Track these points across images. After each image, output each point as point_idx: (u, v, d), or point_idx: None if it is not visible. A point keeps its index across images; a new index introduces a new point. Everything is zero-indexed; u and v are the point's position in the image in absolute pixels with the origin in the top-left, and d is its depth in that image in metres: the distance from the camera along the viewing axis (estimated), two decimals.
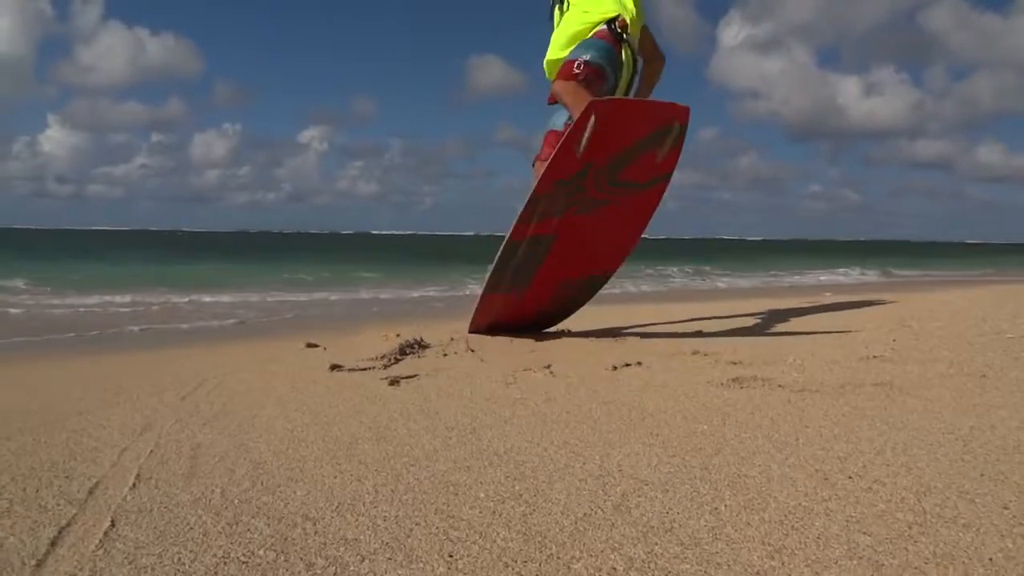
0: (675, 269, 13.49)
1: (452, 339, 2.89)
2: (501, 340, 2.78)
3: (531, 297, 2.81)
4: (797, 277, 12.62)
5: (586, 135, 2.28)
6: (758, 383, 1.60)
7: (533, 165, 2.83)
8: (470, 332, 2.87)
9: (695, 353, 2.18)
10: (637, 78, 2.96)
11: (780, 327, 3.11)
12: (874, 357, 1.94)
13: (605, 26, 2.91)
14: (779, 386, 1.55)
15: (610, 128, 2.33)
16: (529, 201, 2.46)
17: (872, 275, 13.38)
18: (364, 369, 2.06)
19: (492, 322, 2.89)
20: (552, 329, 3.05)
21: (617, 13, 2.90)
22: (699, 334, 2.82)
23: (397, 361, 2.26)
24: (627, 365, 1.95)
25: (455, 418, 1.36)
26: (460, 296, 7.49)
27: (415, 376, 1.88)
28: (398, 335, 2.98)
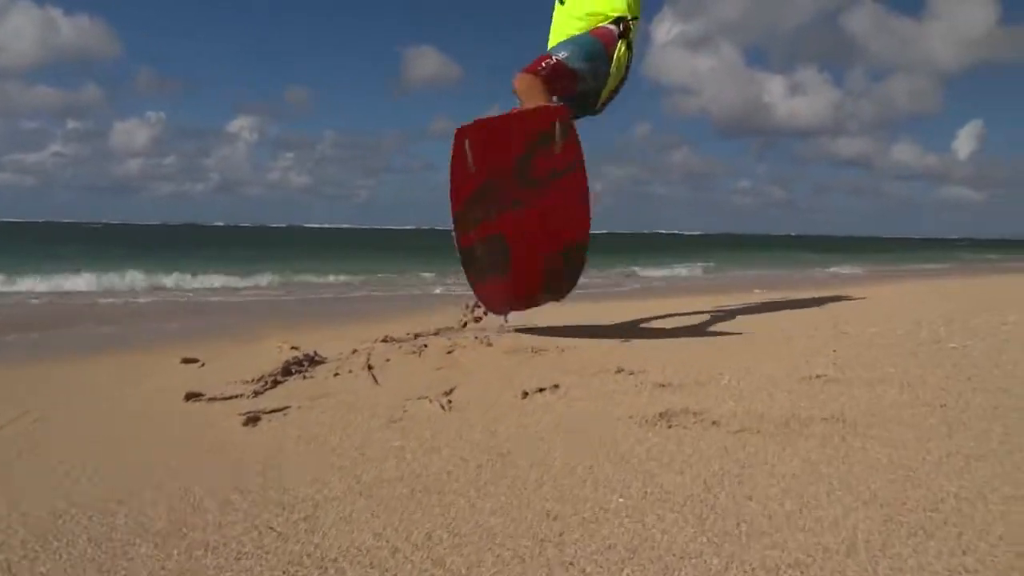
0: (618, 269, 13.40)
1: (354, 351, 2.56)
2: (408, 355, 2.47)
3: (522, 274, 2.76)
4: (729, 273, 12.73)
5: (469, 159, 2.32)
6: (689, 418, 1.34)
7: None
8: (494, 313, 2.96)
9: (619, 371, 1.91)
10: (620, 86, 2.88)
11: (712, 332, 2.90)
12: (816, 376, 1.71)
13: (612, 25, 2.81)
14: (713, 423, 1.29)
15: (489, 147, 2.36)
16: (454, 219, 2.49)
17: (798, 270, 13.63)
18: (229, 398, 1.71)
19: (507, 303, 2.92)
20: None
21: (625, 12, 2.82)
22: (628, 340, 2.57)
23: (275, 384, 1.92)
24: (540, 390, 1.66)
25: (297, 489, 1.03)
26: (399, 296, 7.11)
27: (285, 409, 1.55)
28: (293, 347, 2.63)
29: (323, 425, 1.37)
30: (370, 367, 2.21)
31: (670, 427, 1.27)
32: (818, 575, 0.71)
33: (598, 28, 2.84)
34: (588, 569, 0.75)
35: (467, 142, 2.35)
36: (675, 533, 0.83)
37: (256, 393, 1.75)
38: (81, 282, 7.56)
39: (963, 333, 2.51)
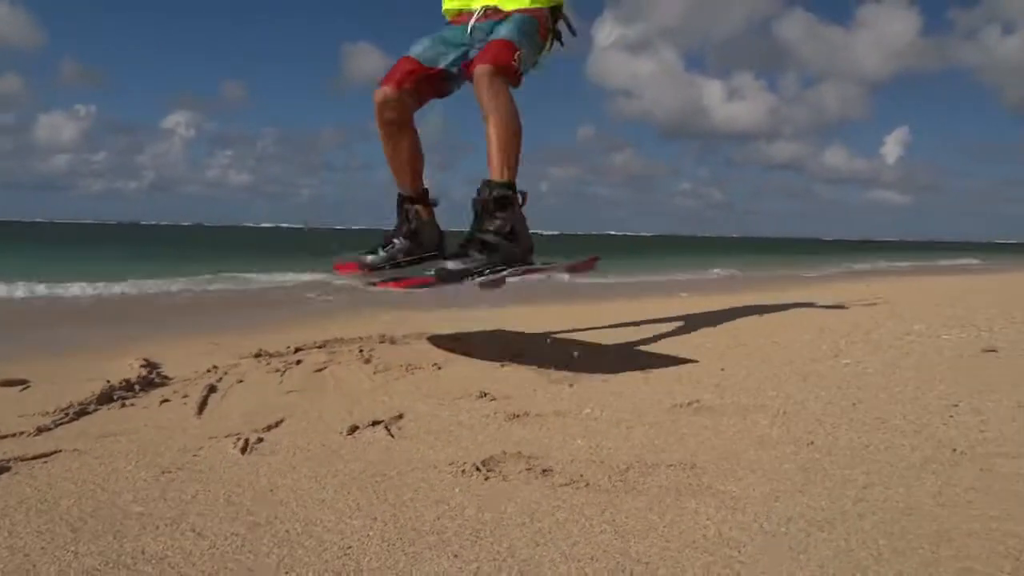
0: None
1: (210, 369, 2.28)
2: (270, 373, 2.20)
3: None
4: (658, 276, 12.75)
5: None
6: (521, 463, 1.13)
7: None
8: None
9: (482, 396, 1.70)
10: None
11: (607, 343, 2.71)
12: (689, 404, 1.53)
13: (548, 10, 2.48)
14: (543, 472, 1.09)
15: None
16: None
17: (729, 272, 13.77)
18: (6, 436, 1.43)
19: None
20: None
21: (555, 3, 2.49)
22: (511, 360, 2.35)
23: (79, 415, 1.64)
24: (375, 423, 1.44)
25: None
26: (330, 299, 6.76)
27: (54, 454, 1.28)
28: (144, 364, 2.34)
29: (62, 491, 1.10)
30: (211, 390, 1.95)
31: (486, 479, 1.05)
32: None
33: (534, 10, 2.48)
34: None
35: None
36: None
37: (40, 430, 1.47)
38: None
39: (864, 345, 2.40)
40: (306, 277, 9.01)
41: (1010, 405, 1.41)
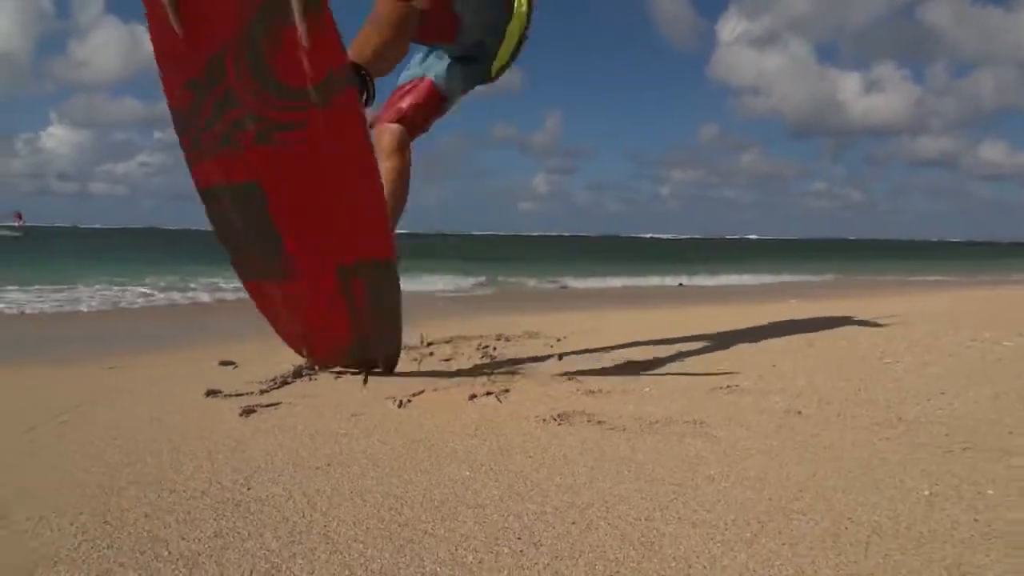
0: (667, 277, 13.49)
1: None
2: (403, 360, 2.83)
3: (314, 292, 2.05)
4: (784, 277, 12.65)
5: (167, 4, 1.55)
6: (584, 418, 1.65)
7: (371, 127, 2.19)
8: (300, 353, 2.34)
9: (570, 379, 2.22)
10: (518, 52, 2.29)
11: (697, 344, 3.14)
12: (727, 387, 1.98)
13: None
14: (598, 422, 1.60)
15: None
16: (176, 121, 1.77)
17: (848, 278, 13.39)
18: (241, 395, 2.12)
19: (307, 341, 2.26)
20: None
21: None
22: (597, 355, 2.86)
23: (283, 384, 2.32)
24: (488, 394, 1.99)
25: (255, 459, 1.41)
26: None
27: (276, 404, 1.93)
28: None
29: (295, 418, 1.75)
30: (370, 370, 2.59)
31: (559, 425, 1.58)
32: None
33: None
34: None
35: None
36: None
37: (262, 392, 2.15)
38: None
39: (919, 348, 2.70)
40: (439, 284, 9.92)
41: (989, 395, 1.76)
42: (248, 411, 1.83)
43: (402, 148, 2.21)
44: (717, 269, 15.32)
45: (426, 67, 2.32)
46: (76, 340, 4.38)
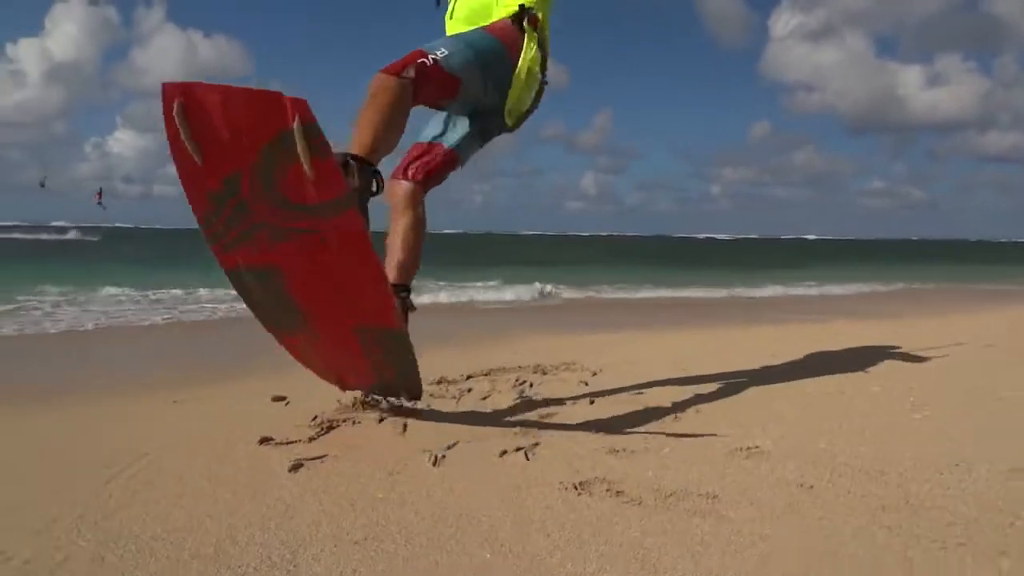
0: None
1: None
2: (442, 399, 2.97)
3: (334, 344, 2.22)
4: (832, 288, 12.40)
5: (182, 132, 1.68)
6: (604, 486, 1.76)
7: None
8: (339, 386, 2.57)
9: (599, 431, 2.33)
10: (538, 98, 2.37)
11: (725, 380, 3.20)
12: (747, 448, 2.06)
13: (509, 19, 2.26)
14: (617, 493, 1.71)
15: (210, 123, 1.68)
16: (197, 219, 1.91)
17: (908, 287, 13.03)
18: (291, 442, 2.29)
19: (337, 376, 2.48)
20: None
21: (532, 2, 2.26)
22: (631, 396, 2.96)
23: (329, 429, 2.48)
24: (518, 449, 2.12)
25: (299, 529, 1.57)
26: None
27: (319, 459, 2.10)
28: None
29: (339, 475, 1.91)
30: (409, 414, 2.74)
31: (579, 495, 1.70)
32: None
33: (494, 24, 2.27)
34: None
35: (177, 107, 1.66)
36: None
37: (311, 439, 2.32)
38: None
39: (956, 396, 2.72)
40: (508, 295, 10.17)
41: (1003, 470, 1.80)
42: (296, 466, 2.00)
43: (414, 204, 2.32)
44: (777, 277, 15.09)
45: (444, 132, 2.40)
46: (173, 356, 4.69)
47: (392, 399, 2.49)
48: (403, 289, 2.29)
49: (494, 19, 2.29)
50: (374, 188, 1.89)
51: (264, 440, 2.29)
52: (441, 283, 11.24)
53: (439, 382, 3.40)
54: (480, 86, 2.20)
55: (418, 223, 2.33)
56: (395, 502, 1.71)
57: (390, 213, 2.34)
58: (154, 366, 4.65)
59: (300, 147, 1.62)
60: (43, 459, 2.22)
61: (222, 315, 7.46)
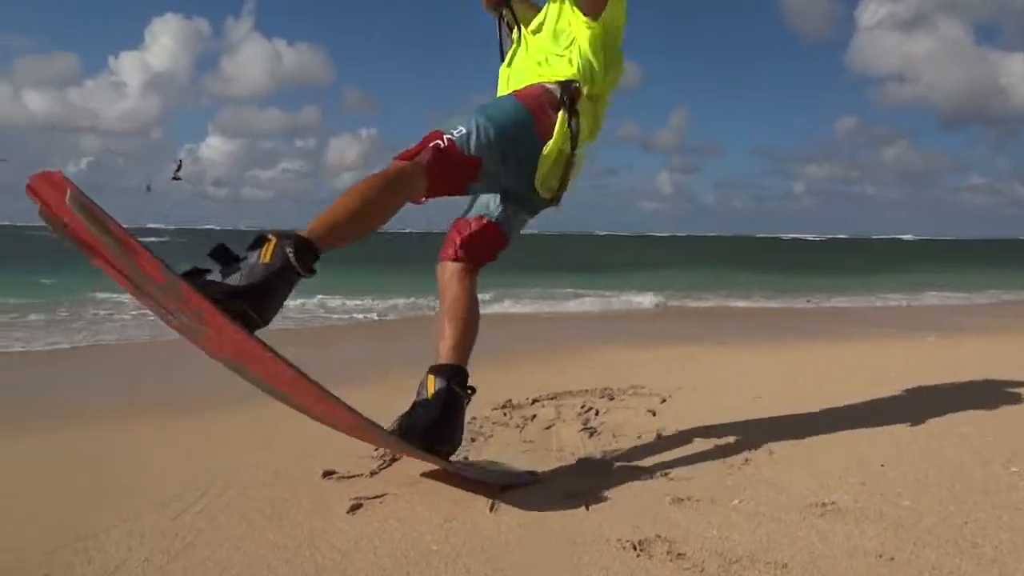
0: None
1: (473, 419, 3.07)
2: (506, 427, 2.94)
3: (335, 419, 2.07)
4: (927, 296, 11.70)
5: (56, 229, 1.52)
6: (665, 546, 1.68)
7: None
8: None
9: (663, 475, 2.25)
10: (573, 171, 2.13)
11: (802, 410, 3.04)
12: (821, 504, 1.93)
13: (552, 85, 2.07)
14: (678, 555, 1.63)
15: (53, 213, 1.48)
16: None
17: (1014, 296, 12.13)
18: (352, 476, 2.31)
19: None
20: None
21: (574, 75, 2.07)
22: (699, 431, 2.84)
23: (392, 462, 2.49)
24: (578, 495, 2.06)
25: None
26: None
27: (379, 498, 2.10)
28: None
29: (395, 518, 1.90)
30: (472, 440, 2.72)
31: (638, 556, 1.63)
32: None
33: (528, 89, 2.09)
34: None
35: (40, 210, 1.49)
36: None
37: (372, 474, 2.33)
38: None
39: None
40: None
41: None
42: (355, 507, 2.01)
43: (463, 284, 2.16)
44: (874, 285, 14.33)
45: (488, 207, 2.24)
46: None
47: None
48: (455, 371, 2.07)
49: (541, 78, 2.11)
50: (293, 265, 1.58)
51: (327, 474, 2.32)
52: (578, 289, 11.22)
53: (504, 406, 3.38)
54: (499, 165, 1.99)
55: (466, 303, 2.15)
56: (448, 556, 1.68)
57: (439, 296, 2.22)
58: (222, 381, 4.81)
59: (72, 234, 1.47)
60: (113, 483, 2.32)
61: (292, 326, 7.70)
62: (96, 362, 5.82)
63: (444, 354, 2.10)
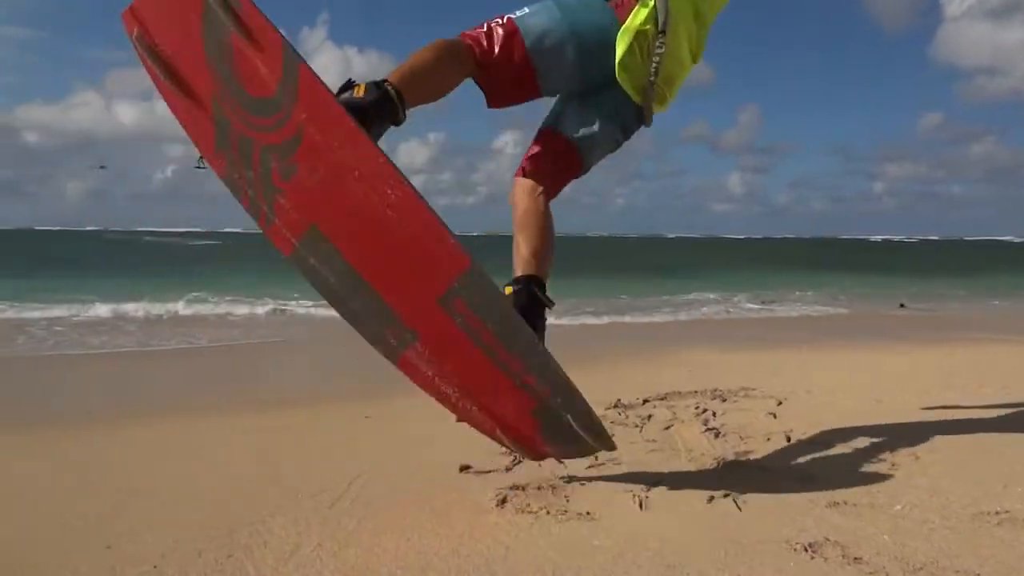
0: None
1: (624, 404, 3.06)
2: (623, 427, 2.91)
3: (436, 341, 1.76)
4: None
5: (148, 58, 1.68)
6: (838, 550, 1.63)
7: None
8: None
9: (808, 478, 2.18)
10: (656, 63, 1.90)
11: (948, 417, 2.90)
12: (995, 512, 1.84)
13: None
14: (855, 559, 1.58)
15: (158, 33, 1.68)
16: (235, 195, 1.79)
17: None
18: (489, 472, 2.33)
19: (476, 413, 1.90)
20: None
21: None
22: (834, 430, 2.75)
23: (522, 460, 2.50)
24: (725, 495, 2.02)
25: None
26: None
27: (524, 487, 2.11)
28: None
29: (548, 510, 1.91)
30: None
31: (812, 559, 1.58)
32: None
33: None
34: None
35: (137, 35, 1.68)
36: None
37: (507, 468, 2.35)
38: None
39: None
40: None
41: None
42: (502, 500, 2.02)
43: (531, 198, 2.06)
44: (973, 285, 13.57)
45: (565, 118, 2.11)
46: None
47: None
48: (534, 281, 1.94)
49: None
50: (386, 109, 1.72)
51: (464, 468, 2.34)
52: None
53: (615, 406, 3.35)
54: (567, 43, 1.90)
55: (535, 214, 2.02)
56: (613, 552, 1.67)
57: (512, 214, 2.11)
58: (341, 376, 4.95)
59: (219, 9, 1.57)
60: (267, 471, 2.41)
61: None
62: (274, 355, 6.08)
63: (519, 266, 1.98)
